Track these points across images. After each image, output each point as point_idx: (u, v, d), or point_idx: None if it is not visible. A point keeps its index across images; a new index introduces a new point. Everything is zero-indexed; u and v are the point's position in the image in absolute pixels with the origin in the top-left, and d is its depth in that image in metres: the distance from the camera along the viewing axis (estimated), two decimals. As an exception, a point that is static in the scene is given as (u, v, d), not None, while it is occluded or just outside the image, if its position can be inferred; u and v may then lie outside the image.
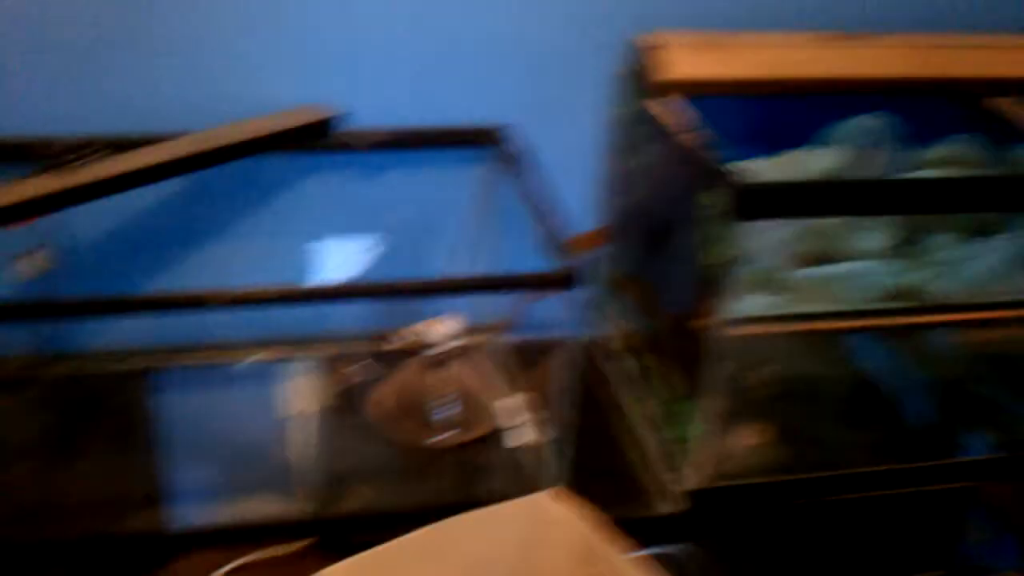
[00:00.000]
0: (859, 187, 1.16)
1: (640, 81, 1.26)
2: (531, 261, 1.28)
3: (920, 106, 1.37)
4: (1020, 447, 1.37)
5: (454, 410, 1.33)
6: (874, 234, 1.44)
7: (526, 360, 1.43)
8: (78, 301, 1.14)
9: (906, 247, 1.48)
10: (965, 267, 1.50)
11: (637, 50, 1.27)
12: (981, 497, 1.57)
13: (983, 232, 1.50)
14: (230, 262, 1.38)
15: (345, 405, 1.35)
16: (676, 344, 1.23)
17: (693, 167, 1.11)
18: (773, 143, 1.40)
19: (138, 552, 1.14)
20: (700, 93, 1.23)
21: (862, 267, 1.46)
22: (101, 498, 1.20)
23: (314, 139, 1.27)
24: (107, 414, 1.32)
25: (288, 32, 1.26)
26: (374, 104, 1.31)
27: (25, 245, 1.24)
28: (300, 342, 1.43)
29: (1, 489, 1.21)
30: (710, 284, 1.11)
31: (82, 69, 1.23)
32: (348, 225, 1.40)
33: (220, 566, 1.13)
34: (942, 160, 1.44)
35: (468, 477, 1.28)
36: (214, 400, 1.38)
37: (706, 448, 1.21)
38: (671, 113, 1.19)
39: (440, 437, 1.30)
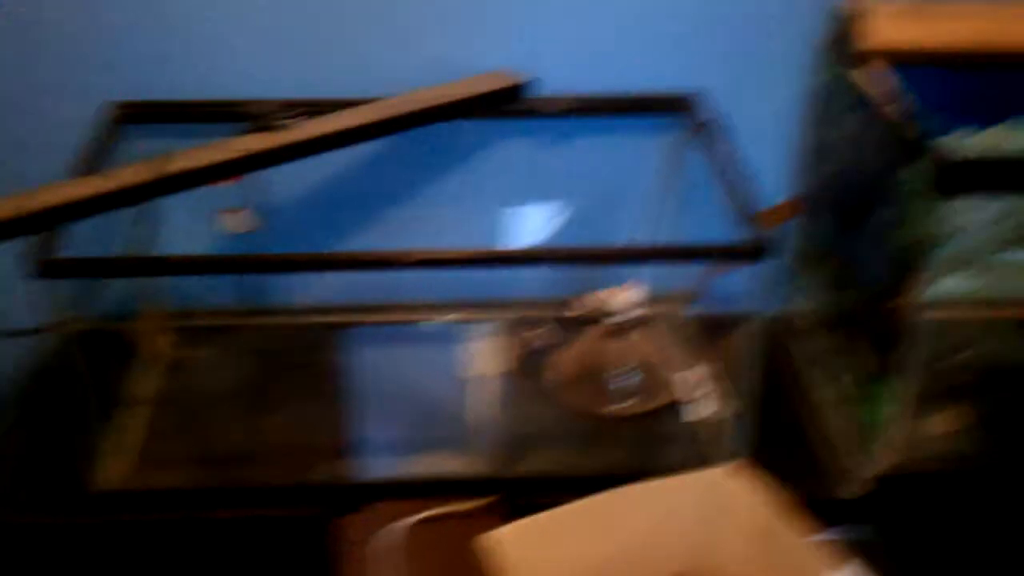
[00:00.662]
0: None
1: (842, 49, 1.22)
2: (718, 233, 1.26)
3: None
4: None
5: (633, 380, 1.32)
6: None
7: (709, 333, 1.41)
8: (277, 258, 1.20)
9: None
10: None
11: (840, 16, 1.22)
12: None
13: None
14: (421, 224, 1.41)
15: (526, 369, 1.37)
16: (869, 323, 1.19)
17: (895, 139, 1.07)
18: (981, 116, 1.32)
19: (329, 499, 1.19)
20: (905, 62, 1.17)
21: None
22: (295, 447, 1.26)
23: (505, 105, 1.28)
24: (302, 367, 1.38)
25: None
26: (563, 70, 1.31)
27: (233, 203, 1.31)
28: (485, 305, 1.46)
29: (202, 434, 1.29)
30: (908, 263, 1.07)
31: (288, 36, 1.27)
32: (536, 191, 1.41)
33: (406, 516, 1.17)
34: None
35: (645, 448, 1.28)
36: (402, 358, 1.42)
37: (897, 432, 1.17)
38: (874, 82, 1.14)
39: (618, 406, 1.31)
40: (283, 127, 1.17)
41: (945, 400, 1.31)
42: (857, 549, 1.16)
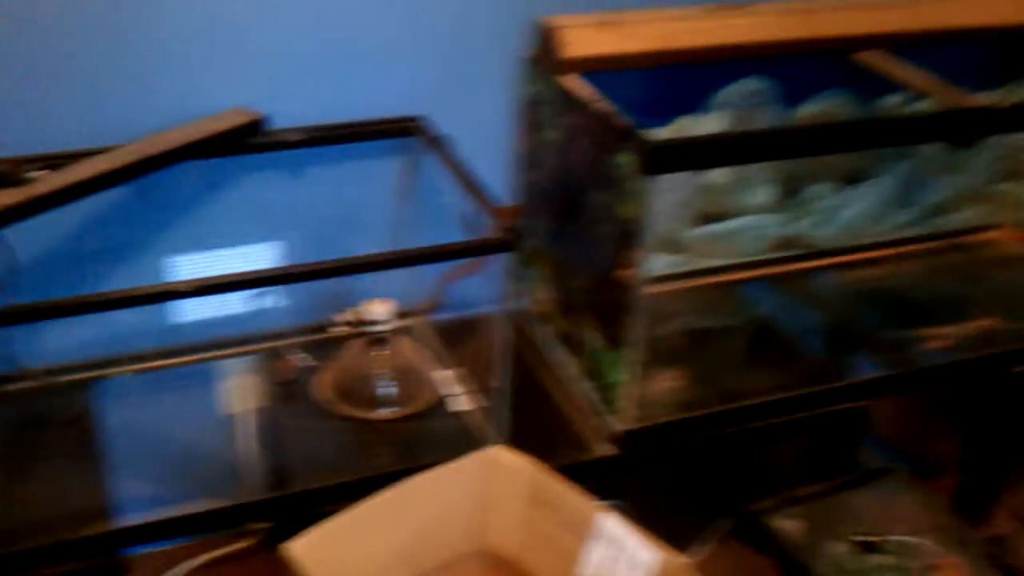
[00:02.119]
0: (750, 138, 1.29)
1: (545, 61, 1.37)
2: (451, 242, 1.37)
3: (796, 66, 1.51)
4: (899, 367, 1.52)
5: (396, 386, 1.40)
6: (760, 189, 1.57)
7: (460, 334, 1.52)
8: (12, 310, 1.17)
9: (788, 200, 1.62)
10: (840, 213, 1.66)
11: (541, 31, 1.37)
12: (870, 425, 1.73)
13: (854, 180, 1.65)
14: (166, 269, 1.42)
15: (292, 393, 1.41)
16: (597, 301, 1.34)
17: (607, 132, 1.22)
18: (665, 112, 1.52)
19: (97, 554, 1.17)
20: (600, 69, 1.33)
21: (752, 221, 1.60)
22: (56, 508, 1.22)
23: (243, 141, 1.33)
24: (56, 426, 1.34)
25: (212, 40, 1.32)
26: (296, 104, 1.38)
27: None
28: (238, 342, 1.48)
29: None
30: (627, 239, 1.22)
31: (21, 91, 1.26)
32: (277, 225, 1.46)
33: (179, 563, 1.16)
34: (818, 115, 1.58)
35: (416, 446, 1.36)
36: (164, 404, 1.42)
37: (631, 393, 1.32)
38: (577, 87, 1.30)
39: (385, 412, 1.38)
40: (26, 181, 1.16)
41: (666, 362, 1.48)
42: (614, 498, 1.30)
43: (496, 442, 1.29)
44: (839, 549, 1.42)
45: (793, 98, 1.56)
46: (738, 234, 1.61)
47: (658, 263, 1.59)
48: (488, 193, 1.25)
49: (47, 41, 1.25)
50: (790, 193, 1.62)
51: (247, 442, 1.33)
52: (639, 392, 1.34)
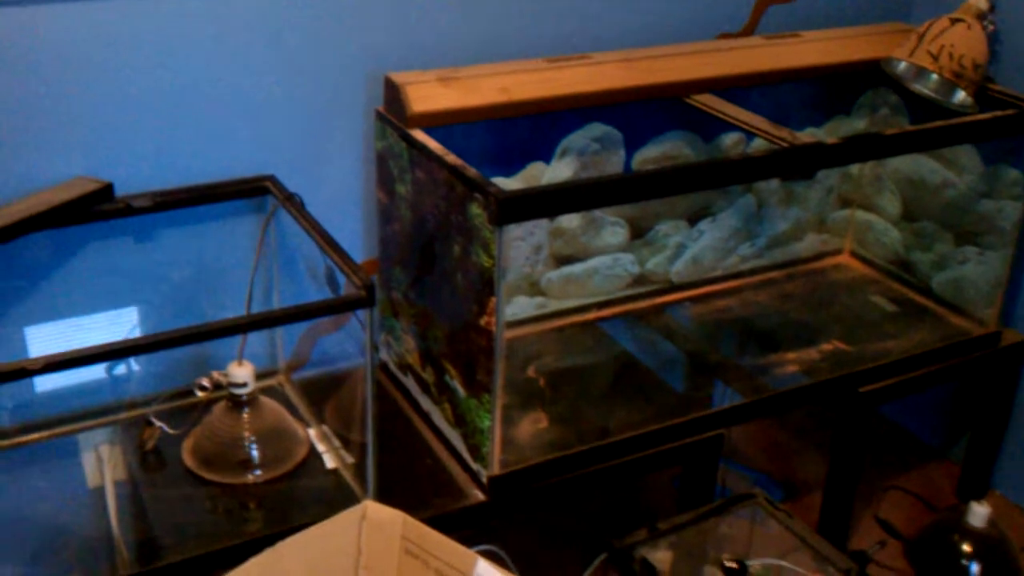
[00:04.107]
0: (597, 184, 1.33)
1: (395, 116, 1.39)
2: (313, 297, 1.38)
3: (636, 112, 1.57)
4: (755, 393, 1.58)
5: (266, 446, 1.39)
6: (611, 229, 1.62)
7: (326, 389, 1.52)
8: None
9: (638, 239, 1.68)
10: (688, 248, 1.72)
11: (387, 88, 1.40)
12: (731, 449, 1.79)
13: (699, 216, 1.72)
14: (16, 345, 1.38)
15: (157, 462, 1.38)
16: (458, 349, 1.36)
17: (457, 184, 1.25)
18: (511, 162, 1.56)
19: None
20: (447, 122, 1.37)
21: (608, 260, 1.65)
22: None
23: (90, 209, 1.31)
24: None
25: (51, 111, 1.29)
26: (144, 169, 1.36)
27: None
28: (99, 413, 1.45)
29: None
30: (483, 286, 1.24)
31: None
32: (132, 292, 1.44)
33: None
34: (658, 157, 1.65)
35: (287, 507, 1.34)
36: (22, 481, 1.37)
37: (497, 438, 1.34)
38: (427, 141, 1.33)
39: (253, 475, 1.37)
40: None
41: (532, 403, 1.51)
42: (490, 543, 1.32)
43: (366, 497, 1.29)
44: (711, 575, 1.47)
45: (635, 141, 1.62)
46: (593, 274, 1.66)
47: (517, 306, 1.62)
48: (342, 250, 1.26)
49: None
50: (640, 232, 1.68)
51: (113, 517, 1.30)
52: (505, 436, 1.36)
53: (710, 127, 1.64)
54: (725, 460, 1.69)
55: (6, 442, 1.40)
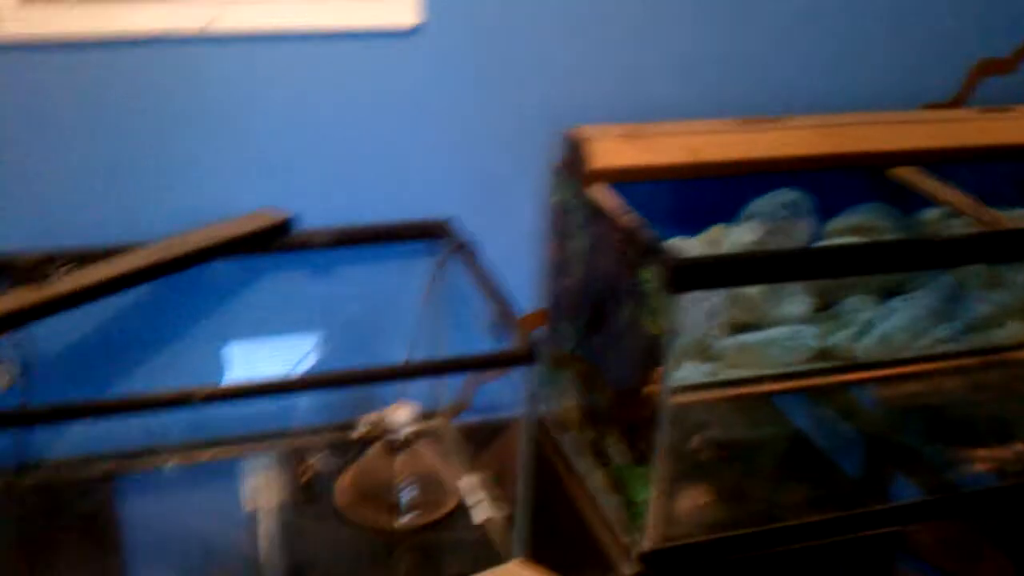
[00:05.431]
0: (781, 257, 1.27)
1: (573, 171, 1.36)
2: (476, 345, 1.36)
3: (829, 180, 1.50)
4: (940, 491, 1.47)
5: (417, 492, 1.38)
6: (797, 299, 1.54)
7: (483, 440, 1.50)
8: (38, 409, 1.17)
9: (824, 312, 1.59)
10: (878, 326, 1.62)
11: (570, 143, 1.37)
12: (908, 542, 1.67)
13: (893, 292, 1.62)
14: (192, 366, 1.42)
15: (310, 496, 1.39)
16: (622, 414, 1.31)
17: (632, 246, 1.21)
18: (695, 222, 1.51)
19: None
20: (629, 180, 1.33)
21: (788, 331, 1.57)
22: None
23: (271, 241, 1.33)
24: (75, 521, 1.33)
25: (242, 141, 1.33)
26: (324, 204, 1.39)
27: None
28: (261, 439, 1.48)
29: None
30: (652, 353, 1.20)
31: (47, 185, 1.28)
32: (304, 323, 1.46)
33: None
34: (851, 228, 1.56)
35: (435, 556, 1.33)
36: (181, 501, 1.40)
37: (657, 510, 1.28)
38: (606, 199, 1.29)
39: (405, 519, 1.36)
40: (51, 279, 1.17)
41: (696, 476, 1.44)
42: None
43: (516, 555, 1.26)
44: None
45: (827, 210, 1.54)
46: (772, 344, 1.58)
47: (688, 372, 1.56)
48: (510, 302, 1.24)
49: (77, 136, 1.27)
50: (825, 304, 1.60)
51: (264, 544, 1.31)
52: (666, 510, 1.30)
53: (909, 201, 1.54)
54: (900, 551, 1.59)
55: (172, 459, 1.44)
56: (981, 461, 1.54)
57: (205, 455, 1.45)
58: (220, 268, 1.37)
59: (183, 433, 1.44)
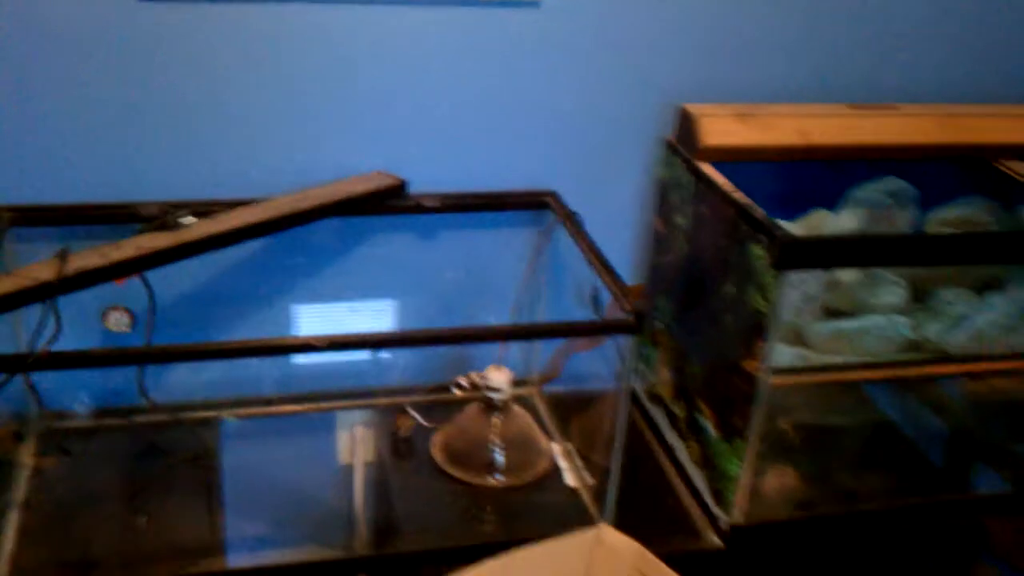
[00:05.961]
0: (887, 241, 1.27)
1: (685, 147, 1.38)
2: (572, 314, 1.38)
3: (935, 170, 1.50)
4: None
5: (508, 454, 1.41)
6: (894, 289, 1.54)
7: (573, 407, 1.53)
8: (152, 350, 1.22)
9: (918, 303, 1.59)
10: (974, 320, 1.61)
11: (683, 119, 1.39)
12: (989, 541, 1.66)
13: (990, 287, 1.61)
14: (297, 316, 1.47)
15: (406, 450, 1.43)
16: (716, 389, 1.33)
17: (742, 222, 1.23)
18: (794, 205, 1.51)
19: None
20: (736, 159, 1.34)
21: (880, 320, 1.57)
22: (172, 545, 1.25)
23: (385, 203, 1.37)
24: (177, 461, 1.38)
25: (359, 106, 1.37)
26: (434, 170, 1.42)
27: (110, 302, 1.33)
28: (358, 395, 1.52)
29: (77, 537, 1.26)
30: (754, 330, 1.21)
31: (175, 138, 1.33)
32: (409, 283, 1.50)
33: None
34: (956, 220, 1.55)
35: (523, 516, 1.36)
36: (279, 448, 1.45)
37: (744, 487, 1.30)
38: (714, 175, 1.31)
39: (497, 479, 1.39)
40: (178, 226, 1.22)
41: (784, 457, 1.46)
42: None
43: (602, 521, 1.29)
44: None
45: (930, 201, 1.54)
46: (865, 333, 1.58)
47: (777, 354, 1.57)
48: (616, 273, 1.26)
49: (214, 92, 1.32)
50: (920, 296, 1.59)
51: (358, 495, 1.35)
52: (753, 487, 1.32)
53: (1013, 195, 1.53)
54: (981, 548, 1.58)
55: (269, 409, 1.49)
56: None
57: (304, 407, 1.49)
58: (331, 226, 1.40)
59: (284, 384, 1.49)
